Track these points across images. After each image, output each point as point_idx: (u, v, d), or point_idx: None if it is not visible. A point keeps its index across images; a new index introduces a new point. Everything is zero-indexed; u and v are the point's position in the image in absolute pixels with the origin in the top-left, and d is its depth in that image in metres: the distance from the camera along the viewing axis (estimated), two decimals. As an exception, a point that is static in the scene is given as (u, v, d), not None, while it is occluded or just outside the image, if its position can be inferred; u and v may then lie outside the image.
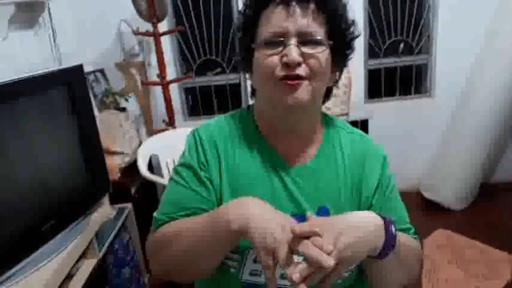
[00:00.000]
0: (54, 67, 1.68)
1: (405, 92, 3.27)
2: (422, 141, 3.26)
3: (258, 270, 0.83)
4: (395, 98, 3.25)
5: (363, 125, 2.83)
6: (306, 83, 0.78)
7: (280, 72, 0.78)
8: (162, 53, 2.59)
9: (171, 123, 2.75)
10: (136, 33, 2.61)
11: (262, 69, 0.80)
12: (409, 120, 3.22)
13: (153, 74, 2.85)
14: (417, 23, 3.10)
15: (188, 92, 3.27)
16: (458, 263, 2.37)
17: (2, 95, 1.34)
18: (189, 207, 0.83)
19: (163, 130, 2.70)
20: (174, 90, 3.01)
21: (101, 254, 1.75)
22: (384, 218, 0.74)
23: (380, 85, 3.24)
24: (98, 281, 1.76)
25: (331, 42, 0.80)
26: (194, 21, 3.04)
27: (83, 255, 1.66)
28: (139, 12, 2.52)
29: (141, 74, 2.94)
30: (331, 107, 2.72)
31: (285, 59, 0.76)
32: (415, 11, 3.06)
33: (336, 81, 0.91)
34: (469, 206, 3.04)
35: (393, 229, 0.72)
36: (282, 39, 0.78)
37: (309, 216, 0.74)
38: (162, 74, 2.63)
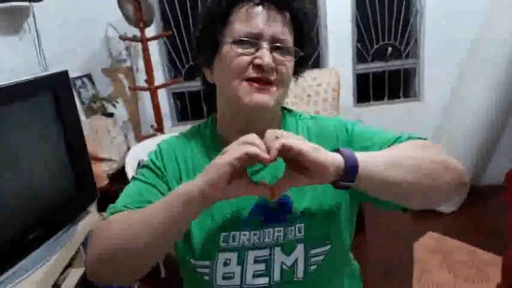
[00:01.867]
0: (40, 73, 1.65)
1: (394, 95, 3.29)
2: (411, 145, 3.27)
3: (230, 272, 0.81)
4: (384, 102, 3.27)
5: (352, 128, 2.83)
6: (274, 89, 0.79)
7: (252, 73, 0.77)
8: (149, 58, 2.58)
9: (159, 128, 2.73)
10: (123, 38, 2.59)
11: (232, 67, 0.78)
12: (398, 124, 3.21)
13: (141, 79, 2.83)
14: (405, 27, 3.12)
15: (177, 97, 3.25)
16: (448, 266, 2.38)
17: (-16, 102, 1.32)
18: (146, 198, 0.81)
19: (151, 136, 2.68)
20: (163, 95, 2.99)
21: (88, 263, 1.72)
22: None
23: (368, 89, 3.25)
24: (85, 291, 1.73)
25: (301, 53, 0.82)
26: (182, 25, 3.02)
27: (69, 264, 1.63)
28: (126, 17, 2.50)
29: (128, 79, 2.92)
30: (320, 111, 2.72)
31: (258, 61, 0.76)
32: (402, 15, 3.08)
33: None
34: (458, 209, 3.05)
35: (352, 156, 0.66)
36: (256, 40, 0.77)
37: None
38: (149, 79, 2.61)
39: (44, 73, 1.68)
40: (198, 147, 0.90)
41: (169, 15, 3.00)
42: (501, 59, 2.73)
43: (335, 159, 0.64)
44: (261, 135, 0.73)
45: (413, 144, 0.80)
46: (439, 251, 2.54)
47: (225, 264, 0.81)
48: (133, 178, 0.90)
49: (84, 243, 1.73)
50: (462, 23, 2.94)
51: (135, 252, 0.70)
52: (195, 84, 3.17)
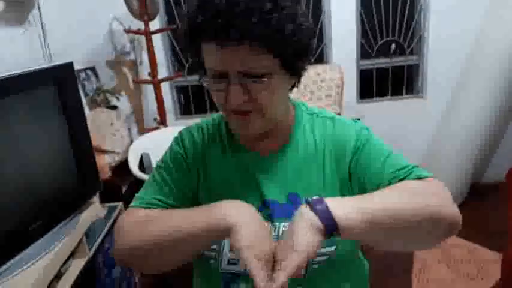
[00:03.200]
0: (44, 65, 1.66)
1: (397, 92, 3.29)
2: (413, 142, 3.27)
3: (235, 258, 0.83)
4: (387, 98, 3.27)
5: (354, 125, 2.84)
6: (254, 115, 0.77)
7: (228, 107, 0.77)
8: (153, 51, 2.58)
9: (162, 122, 2.74)
10: (127, 31, 2.60)
11: (216, 101, 0.80)
12: (400, 121, 3.24)
13: (144, 72, 2.83)
14: (409, 24, 3.12)
15: (180, 90, 3.26)
16: (448, 263, 2.39)
17: (-11, 93, 1.33)
18: (172, 188, 0.89)
19: (154, 129, 2.69)
20: (166, 89, 3.00)
21: (90, 253, 1.73)
22: (307, 203, 0.67)
23: (372, 85, 3.25)
24: (87, 281, 1.75)
25: (277, 71, 0.75)
26: (186, 19, 3.02)
27: (72, 255, 1.64)
28: (130, 10, 2.50)
29: (132, 73, 2.92)
30: (324, 107, 2.72)
31: (228, 98, 0.75)
32: (406, 12, 3.08)
33: (298, 81, 0.85)
34: (459, 206, 3.02)
35: (320, 206, 0.65)
36: (225, 76, 0.74)
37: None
38: (153, 72, 2.62)
39: (49, 64, 1.68)
40: (215, 144, 0.93)
41: (174, 9, 3.00)
42: (504, 56, 2.73)
43: (314, 241, 0.63)
44: (269, 135, 0.86)
45: (410, 191, 0.74)
46: (438, 248, 2.55)
47: (231, 249, 0.80)
48: (157, 166, 0.94)
49: (87, 234, 1.74)
50: (466, 20, 2.94)
51: (167, 255, 0.77)
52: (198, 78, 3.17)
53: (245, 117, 0.77)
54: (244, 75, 0.73)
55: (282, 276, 0.60)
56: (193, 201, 0.91)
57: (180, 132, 0.98)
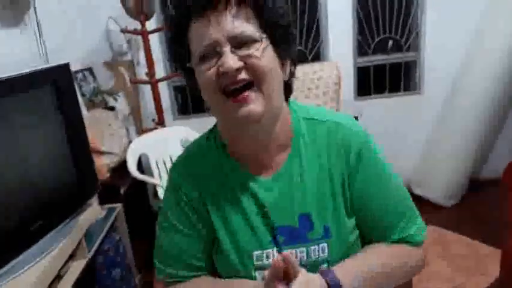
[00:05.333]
0: (40, 65, 1.66)
1: (394, 89, 3.29)
2: (411, 138, 3.28)
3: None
4: (384, 95, 3.27)
5: (352, 122, 2.83)
6: (254, 93, 0.74)
7: (222, 83, 0.73)
8: (150, 51, 2.58)
9: (160, 122, 2.73)
10: (124, 31, 2.59)
11: (205, 85, 0.76)
12: (398, 117, 3.24)
13: (142, 73, 2.83)
14: (405, 20, 3.12)
15: (178, 90, 3.25)
16: (448, 259, 2.39)
17: (-13, 95, 1.32)
18: (189, 255, 0.88)
19: (152, 129, 2.69)
20: (164, 88, 3.00)
21: (90, 255, 1.73)
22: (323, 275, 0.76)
23: (369, 82, 3.25)
24: (87, 282, 1.75)
25: (264, 36, 0.74)
26: (183, 19, 3.02)
27: (72, 256, 1.64)
28: (127, 10, 2.50)
29: (130, 73, 2.91)
30: (321, 104, 2.72)
31: (221, 69, 0.72)
32: (403, 9, 3.08)
33: (292, 74, 0.85)
34: (458, 202, 3.06)
35: (331, 275, 0.76)
36: (215, 50, 0.73)
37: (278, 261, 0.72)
38: (150, 72, 2.61)
39: (46, 65, 1.68)
40: (213, 170, 0.88)
41: (170, 8, 2.99)
42: (501, 52, 2.73)
43: None
44: (267, 147, 0.84)
45: (401, 260, 0.88)
46: (438, 243, 2.55)
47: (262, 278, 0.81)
48: (162, 228, 0.91)
49: (87, 235, 1.74)
50: (463, 16, 2.93)
51: None
52: (196, 78, 3.17)
53: (244, 97, 0.73)
54: (235, 46, 0.73)
55: None
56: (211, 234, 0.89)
57: (171, 177, 0.92)
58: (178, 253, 0.88)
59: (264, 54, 0.74)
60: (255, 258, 0.84)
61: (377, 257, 0.86)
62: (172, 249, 0.89)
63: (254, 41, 0.73)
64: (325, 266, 0.84)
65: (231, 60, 0.71)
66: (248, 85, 0.74)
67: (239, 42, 0.73)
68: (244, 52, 0.73)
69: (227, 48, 0.72)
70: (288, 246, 0.83)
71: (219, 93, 0.75)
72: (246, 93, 0.73)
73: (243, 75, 0.73)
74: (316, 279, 0.75)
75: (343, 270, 0.78)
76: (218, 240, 0.86)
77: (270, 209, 0.84)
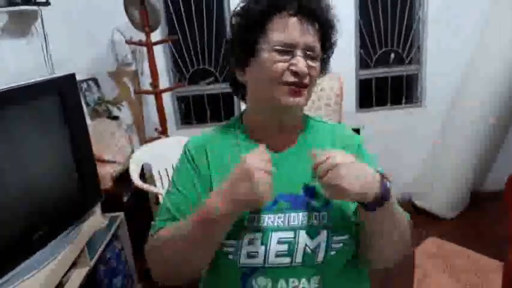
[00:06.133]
0: (46, 75, 1.68)
1: (396, 101, 3.30)
2: (413, 150, 3.29)
3: (254, 251, 0.86)
4: (386, 107, 3.28)
5: (354, 134, 2.85)
6: (305, 91, 0.89)
7: (289, 78, 0.86)
8: (154, 62, 2.61)
9: (163, 131, 2.75)
10: (129, 42, 2.62)
11: (271, 72, 0.86)
12: (400, 129, 3.25)
13: (145, 83, 2.85)
14: (407, 34, 3.15)
15: (181, 100, 3.28)
16: (449, 272, 2.38)
17: (-6, 104, 1.34)
18: (182, 212, 0.91)
19: (155, 139, 2.70)
20: (167, 99, 3.02)
21: (92, 263, 1.74)
22: (380, 173, 0.80)
23: (371, 95, 3.27)
24: (89, 291, 1.75)
25: (325, 56, 0.95)
26: (187, 30, 3.06)
27: (74, 264, 1.65)
28: (132, 21, 2.53)
29: (133, 83, 2.94)
30: (323, 116, 2.74)
31: (294, 68, 0.85)
32: (405, 22, 3.11)
33: None
34: (459, 215, 3.06)
35: (388, 183, 0.79)
36: (291, 49, 0.86)
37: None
38: (154, 83, 2.64)
39: (52, 75, 1.70)
40: (228, 142, 0.97)
41: (175, 20, 3.03)
42: (503, 65, 2.75)
43: (373, 188, 0.77)
44: (287, 130, 0.96)
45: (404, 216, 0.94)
46: (440, 256, 2.54)
47: (250, 243, 0.86)
48: (167, 191, 0.98)
49: (89, 243, 1.75)
50: (464, 30, 2.97)
51: (195, 269, 0.89)
52: (199, 88, 3.20)
53: (294, 89, 0.87)
54: (306, 55, 0.87)
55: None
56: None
57: (184, 148, 1.00)
58: (171, 208, 0.92)
59: (318, 70, 0.91)
60: (247, 219, 0.88)
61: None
62: (168, 206, 0.93)
63: (318, 58, 0.90)
64: (325, 231, 0.87)
65: (303, 64, 0.86)
66: (305, 86, 0.88)
67: (307, 52, 0.87)
68: (310, 63, 0.88)
69: (301, 53, 0.86)
70: (290, 211, 0.89)
71: (278, 81, 0.87)
72: (301, 89, 0.88)
73: (307, 81, 0.88)
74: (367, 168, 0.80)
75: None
76: None
77: (277, 179, 0.86)
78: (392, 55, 3.18)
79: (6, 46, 2.00)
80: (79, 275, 1.66)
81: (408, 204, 3.21)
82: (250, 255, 0.86)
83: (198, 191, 0.92)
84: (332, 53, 0.98)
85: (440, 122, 3.14)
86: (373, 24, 3.10)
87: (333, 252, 0.86)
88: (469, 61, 2.98)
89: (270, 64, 0.86)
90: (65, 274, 1.58)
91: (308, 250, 0.85)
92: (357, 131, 2.87)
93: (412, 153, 3.29)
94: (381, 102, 3.29)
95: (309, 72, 0.87)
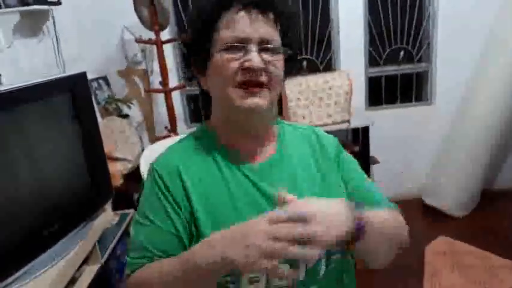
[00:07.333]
0: (58, 74, 1.70)
1: (406, 99, 3.29)
2: (423, 149, 3.27)
3: (255, 276, 0.80)
4: (395, 105, 3.27)
5: (363, 132, 2.84)
6: (265, 91, 0.82)
7: (241, 77, 0.80)
8: (164, 60, 2.62)
9: (173, 129, 2.76)
10: (138, 41, 2.64)
11: (223, 73, 0.81)
12: (409, 128, 3.24)
13: (155, 81, 2.87)
14: (417, 31, 3.13)
15: (190, 98, 3.29)
16: (460, 270, 2.37)
17: (6, 102, 1.36)
18: (157, 247, 0.81)
19: (165, 137, 2.72)
20: (176, 97, 3.03)
21: (103, 260, 1.75)
22: (355, 204, 0.74)
23: (381, 92, 3.26)
24: (100, 286, 1.77)
25: (290, 52, 0.85)
26: (196, 29, 3.06)
27: (85, 261, 1.67)
28: (141, 20, 2.54)
29: (143, 81, 2.96)
30: (332, 114, 2.73)
31: (247, 64, 0.79)
32: (415, 19, 3.09)
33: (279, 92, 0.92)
34: (470, 213, 3.04)
35: (361, 222, 0.72)
36: (243, 44, 0.80)
37: (282, 196, 0.73)
38: (164, 81, 2.65)
39: (63, 74, 1.72)
40: (201, 156, 0.89)
41: (184, 19, 3.04)
42: (514, 63, 2.72)
43: (344, 229, 0.70)
44: (257, 138, 0.90)
45: (396, 219, 0.88)
46: (450, 254, 2.54)
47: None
48: (137, 222, 0.86)
49: (100, 240, 1.77)
50: (474, 27, 2.94)
51: None
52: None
53: (254, 90, 0.80)
54: (262, 49, 0.80)
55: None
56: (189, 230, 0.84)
57: (151, 169, 0.91)
58: (146, 244, 0.82)
59: (280, 65, 0.84)
60: None
61: (388, 213, 0.87)
62: (141, 240, 0.83)
63: (277, 51, 0.82)
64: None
65: (257, 59, 0.79)
66: (260, 84, 0.81)
67: (264, 47, 0.81)
68: (268, 57, 0.80)
69: (255, 48, 0.79)
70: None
71: (232, 83, 0.81)
72: (259, 89, 0.81)
73: (264, 78, 0.80)
74: (340, 205, 0.73)
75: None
76: (197, 225, 0.82)
77: (266, 189, 0.85)
78: (402, 53, 3.17)
79: (19, 45, 2.03)
80: (90, 271, 1.68)
81: (418, 203, 3.19)
82: (252, 281, 0.80)
83: (175, 223, 0.82)
84: (299, 49, 0.91)
85: (450, 120, 3.12)
86: (382, 21, 3.09)
87: (332, 265, 0.84)
88: (478, 59, 2.96)
89: (222, 65, 0.80)
90: (77, 270, 1.59)
91: (309, 267, 0.79)
92: (366, 128, 2.88)
93: (422, 152, 3.28)
94: (391, 100, 3.27)
95: (266, 68, 0.80)
